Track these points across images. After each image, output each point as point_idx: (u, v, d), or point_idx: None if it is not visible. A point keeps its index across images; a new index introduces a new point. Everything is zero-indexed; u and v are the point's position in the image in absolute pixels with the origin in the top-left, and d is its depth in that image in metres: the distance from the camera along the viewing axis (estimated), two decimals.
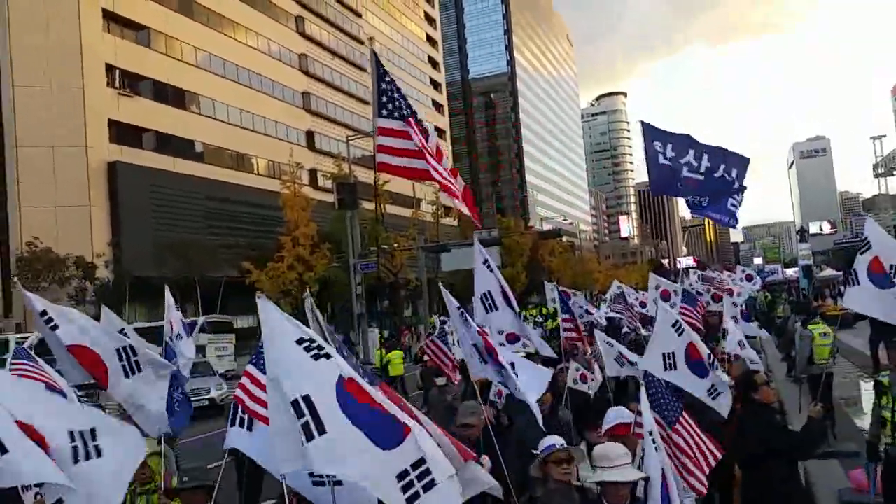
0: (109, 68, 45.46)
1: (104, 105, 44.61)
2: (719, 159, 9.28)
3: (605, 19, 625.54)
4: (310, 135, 63.88)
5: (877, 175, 45.60)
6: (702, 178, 9.16)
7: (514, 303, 8.06)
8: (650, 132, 9.56)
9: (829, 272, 69.20)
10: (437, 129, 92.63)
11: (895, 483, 5.94)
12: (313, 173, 59.83)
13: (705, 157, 9.24)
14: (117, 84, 46.10)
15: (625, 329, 14.15)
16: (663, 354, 5.58)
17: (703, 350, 5.75)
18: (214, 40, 53.68)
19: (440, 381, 9.93)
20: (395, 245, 40.25)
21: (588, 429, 5.84)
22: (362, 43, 75.42)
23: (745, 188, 9.26)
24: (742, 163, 9.25)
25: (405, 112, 6.72)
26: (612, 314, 16.19)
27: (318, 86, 66.56)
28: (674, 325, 5.75)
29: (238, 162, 54.75)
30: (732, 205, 9.16)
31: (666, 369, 5.52)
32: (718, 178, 9.18)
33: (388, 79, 6.81)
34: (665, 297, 12.44)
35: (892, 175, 45.38)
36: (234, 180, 52.19)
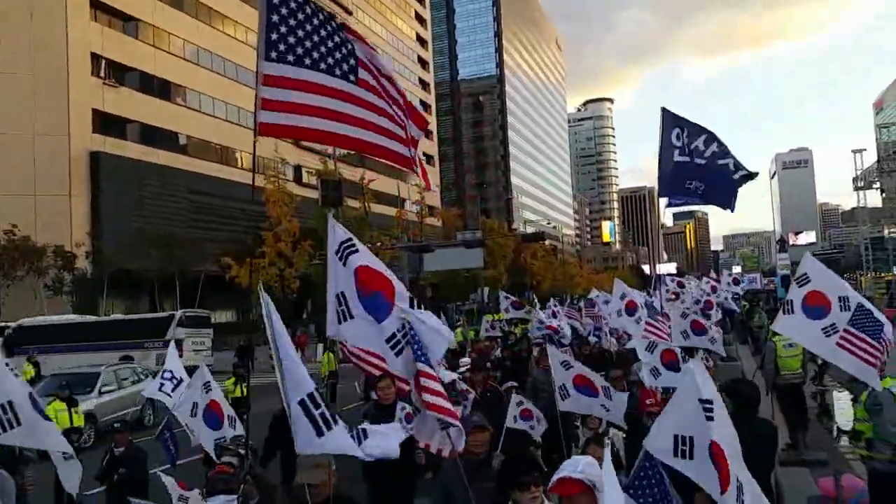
0: (95, 58, 45.02)
1: (88, 95, 44.16)
2: (729, 154, 9.56)
3: (595, 26, 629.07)
4: None
5: (856, 188, 46.19)
6: (704, 162, 9.41)
7: (386, 306, 4.99)
8: (670, 120, 9.60)
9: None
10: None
11: (880, 496, 6.02)
12: (298, 169, 59.59)
13: (715, 144, 9.52)
14: (102, 74, 45.65)
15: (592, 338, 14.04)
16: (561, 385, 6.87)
17: (594, 377, 6.88)
18: (203, 33, 53.30)
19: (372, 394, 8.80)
20: (379, 244, 40.16)
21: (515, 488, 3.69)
22: None
23: (741, 183, 9.61)
24: (749, 173, 9.61)
25: (329, 64, 5.06)
26: (573, 322, 15.90)
27: None
28: (563, 364, 6.94)
29: (222, 156, 54.41)
30: (731, 190, 9.52)
31: (562, 399, 6.79)
32: (722, 165, 9.50)
33: (295, 13, 4.96)
34: (630, 309, 11.25)
35: (871, 188, 46.01)
36: (217, 174, 51.85)
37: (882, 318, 5.75)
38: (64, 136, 42.86)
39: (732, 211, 10.02)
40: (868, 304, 5.80)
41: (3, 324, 32.85)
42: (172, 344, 8.76)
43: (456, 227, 58.36)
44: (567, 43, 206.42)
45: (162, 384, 8.04)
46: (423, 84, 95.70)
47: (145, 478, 7.58)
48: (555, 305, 16.44)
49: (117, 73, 46.49)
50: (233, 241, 44.45)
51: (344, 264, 4.97)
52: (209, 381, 6.93)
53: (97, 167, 44.00)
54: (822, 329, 5.71)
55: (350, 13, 75.59)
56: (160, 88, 49.24)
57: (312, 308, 45.60)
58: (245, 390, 14.37)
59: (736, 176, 9.56)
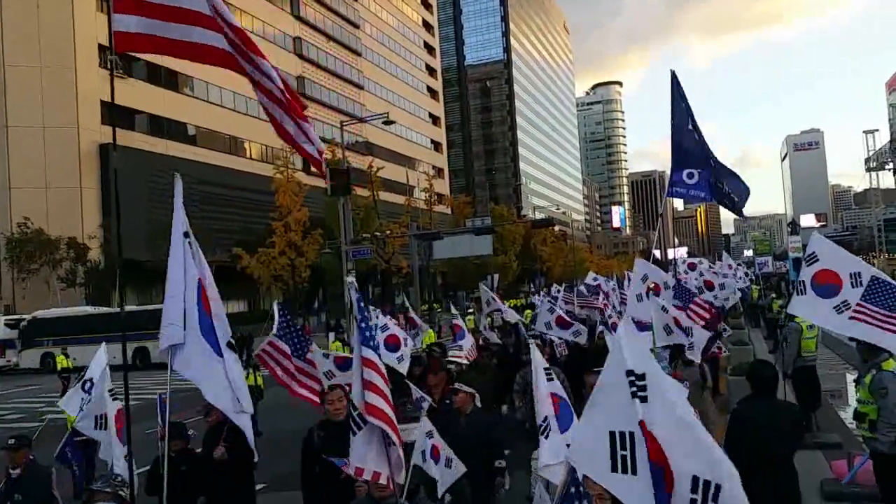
0: (102, 49, 45.09)
1: (96, 86, 44.28)
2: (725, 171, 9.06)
3: (603, 9, 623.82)
4: None
5: (868, 169, 45.76)
6: (713, 164, 8.91)
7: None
8: (678, 88, 8.91)
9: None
10: (431, 115, 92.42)
11: (887, 478, 6.01)
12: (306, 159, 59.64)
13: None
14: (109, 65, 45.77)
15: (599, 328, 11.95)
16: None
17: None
18: None
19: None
20: (388, 232, 40.26)
21: None
22: (358, 27, 74.99)
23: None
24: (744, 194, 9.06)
25: None
26: (583, 312, 14.50)
27: (313, 70, 66.17)
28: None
29: (231, 146, 54.49)
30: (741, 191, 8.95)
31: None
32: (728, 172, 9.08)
33: None
34: (656, 292, 10.04)
35: (884, 170, 45.55)
36: (227, 164, 51.96)
37: None
38: (73, 128, 43.04)
39: (741, 214, 9.67)
40: (883, 276, 5.76)
41: (17, 316, 33.18)
42: (103, 346, 6.98)
43: (465, 214, 58.31)
44: (574, 26, 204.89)
45: (82, 398, 6.89)
46: (430, 70, 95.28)
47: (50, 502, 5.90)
48: (557, 292, 15.78)
49: (125, 64, 46.57)
50: (243, 232, 44.60)
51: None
52: (113, 389, 6.02)
53: (107, 159, 44.19)
54: (834, 307, 5.71)
55: None
56: (167, 79, 49.29)
57: (324, 297, 45.76)
58: (260, 379, 14.51)
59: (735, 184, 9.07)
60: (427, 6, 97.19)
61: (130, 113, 46.79)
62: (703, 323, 8.96)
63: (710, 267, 26.05)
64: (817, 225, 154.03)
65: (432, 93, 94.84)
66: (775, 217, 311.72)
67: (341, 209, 31.91)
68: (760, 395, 5.52)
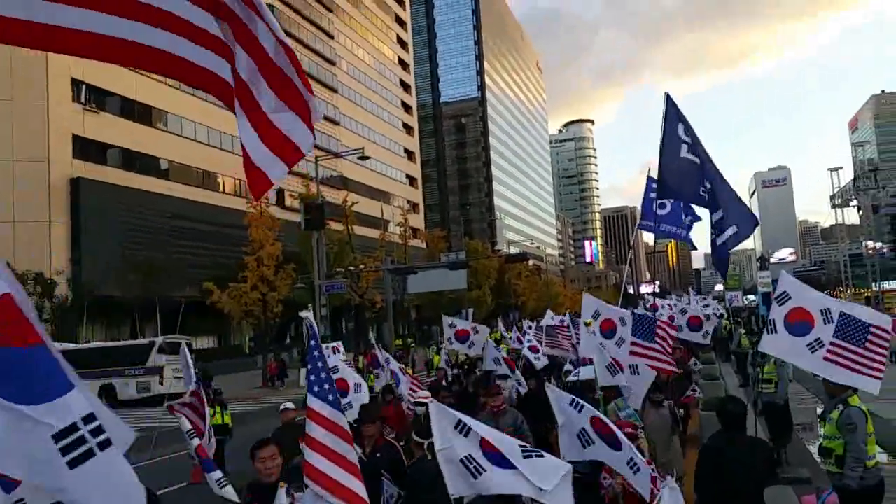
0: (75, 83, 44.86)
1: (68, 120, 43.92)
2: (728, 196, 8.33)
3: (574, 47, 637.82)
4: None
5: (834, 206, 46.77)
6: (719, 178, 8.26)
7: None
8: (674, 110, 8.51)
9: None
10: (406, 150, 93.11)
11: None
12: (280, 193, 59.52)
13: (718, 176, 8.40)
14: (83, 99, 45.47)
15: (566, 367, 11.50)
16: (577, 435, 5.01)
17: (608, 422, 5.00)
18: None
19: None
20: (362, 266, 40.08)
21: None
22: (334, 64, 75.69)
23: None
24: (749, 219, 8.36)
25: None
26: (551, 352, 13.76)
27: None
28: (571, 404, 5.04)
29: (204, 180, 54.21)
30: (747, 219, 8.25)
31: (584, 446, 4.97)
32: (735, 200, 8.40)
33: None
34: (609, 331, 8.87)
35: (849, 206, 46.62)
36: (199, 199, 51.62)
37: (873, 317, 5.81)
38: (44, 161, 42.52)
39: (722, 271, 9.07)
40: (850, 310, 5.86)
41: None
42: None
43: (440, 248, 58.41)
44: (547, 64, 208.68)
45: None
46: (406, 107, 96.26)
47: None
48: (528, 328, 15.23)
49: (98, 98, 46.33)
50: (214, 266, 44.15)
51: None
52: None
53: (77, 193, 43.65)
54: (808, 345, 5.78)
55: (332, 37, 76.14)
56: (141, 113, 49.10)
57: (296, 331, 45.26)
58: (228, 417, 14.24)
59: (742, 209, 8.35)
60: (403, 45, 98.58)
61: (103, 147, 46.44)
62: (659, 359, 8.22)
63: (687, 302, 26.24)
64: (791, 259, 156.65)
65: (408, 129, 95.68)
66: (745, 252, 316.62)
67: (315, 243, 31.90)
68: (730, 431, 5.56)
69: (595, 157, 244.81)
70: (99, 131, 45.91)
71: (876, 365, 5.66)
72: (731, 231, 8.07)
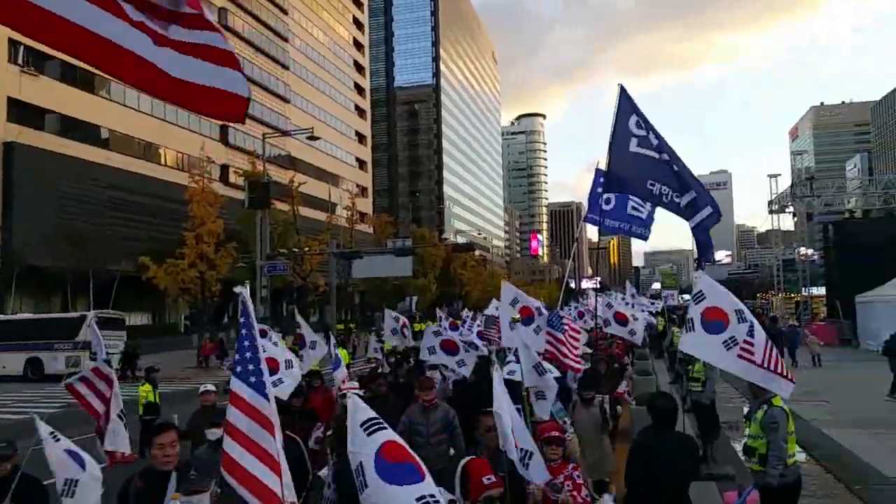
0: (13, 43, 42.75)
1: (4, 82, 41.88)
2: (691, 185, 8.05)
3: (529, 42, 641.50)
4: (224, 129, 62.14)
5: (771, 212, 48.29)
6: (682, 170, 8.00)
7: None
8: (627, 103, 8.20)
9: None
10: (358, 133, 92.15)
11: None
12: (225, 169, 58.19)
13: (680, 163, 8.14)
14: (21, 61, 43.39)
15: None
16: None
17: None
18: None
19: (214, 432, 5.65)
20: (307, 248, 39.54)
21: None
22: (287, 40, 74.20)
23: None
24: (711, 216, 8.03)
25: None
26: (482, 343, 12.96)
27: None
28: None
29: (146, 152, 52.52)
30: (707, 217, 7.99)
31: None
32: (697, 191, 8.06)
33: None
34: (527, 318, 8.99)
35: (785, 212, 48.21)
36: (140, 170, 50.02)
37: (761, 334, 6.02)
38: None
39: (709, 261, 8.81)
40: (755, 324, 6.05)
41: None
42: None
43: (387, 234, 58.13)
44: (502, 57, 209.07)
45: None
46: (359, 89, 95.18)
47: None
48: (467, 316, 14.48)
49: (37, 61, 44.27)
50: (152, 241, 42.89)
51: None
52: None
53: (10, 158, 41.72)
54: (723, 342, 5.92)
55: (285, 12, 74.57)
56: (82, 79, 47.15)
57: (234, 312, 44.43)
58: (158, 397, 13.88)
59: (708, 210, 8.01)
60: (359, 26, 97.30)
61: (41, 112, 44.46)
62: (567, 354, 8.05)
63: (622, 298, 26.72)
64: (727, 261, 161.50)
65: (360, 111, 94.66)
66: (683, 252, 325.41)
67: (259, 222, 31.30)
68: (659, 426, 5.64)
69: (545, 152, 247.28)
70: (37, 95, 43.91)
71: (784, 371, 5.85)
72: (706, 212, 7.95)
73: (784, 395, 6.12)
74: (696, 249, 8.30)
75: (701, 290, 6.16)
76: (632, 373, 15.25)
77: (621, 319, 15.33)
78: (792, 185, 46.48)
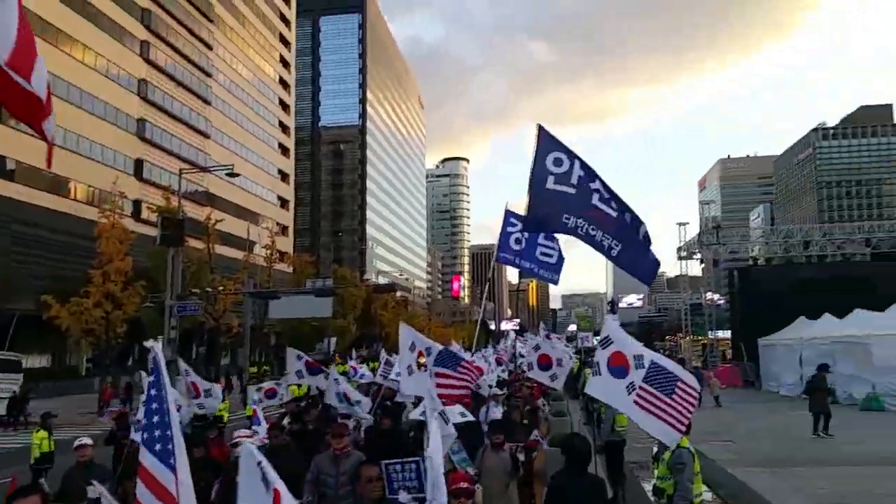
0: None
1: None
2: (625, 208, 7.92)
3: (454, 87, 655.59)
4: (139, 164, 60.24)
5: (680, 258, 50.37)
6: (615, 214, 7.87)
7: None
8: (547, 142, 8.07)
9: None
10: (280, 171, 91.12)
11: None
12: (138, 204, 56.18)
13: (613, 194, 7.94)
14: None
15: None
16: None
17: None
18: (47, 53, 49.39)
19: (94, 490, 4.89)
20: (221, 288, 38.37)
21: None
22: (210, 76, 73.14)
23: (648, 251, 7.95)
24: (645, 234, 7.95)
25: None
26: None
27: (156, 113, 63.28)
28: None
29: (54, 185, 50.16)
30: (648, 261, 7.93)
31: None
32: (633, 226, 7.94)
33: None
34: (422, 363, 8.77)
35: (692, 259, 50.34)
36: (47, 204, 47.65)
37: (682, 373, 6.15)
38: None
39: (648, 284, 8.65)
40: (663, 362, 6.18)
41: None
42: None
43: (307, 274, 57.18)
44: (428, 101, 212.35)
45: None
46: (283, 127, 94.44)
47: None
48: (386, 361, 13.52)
49: None
50: (57, 279, 40.70)
51: None
52: None
53: None
54: (626, 387, 6.06)
55: (210, 48, 73.68)
56: None
57: (140, 355, 42.44)
58: (53, 444, 13.00)
59: (645, 244, 7.96)
60: (285, 64, 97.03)
61: None
62: (458, 390, 7.76)
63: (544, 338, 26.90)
64: (639, 304, 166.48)
65: (283, 149, 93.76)
66: (598, 295, 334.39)
67: (171, 260, 30.22)
68: (573, 468, 5.67)
69: (468, 195, 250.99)
70: None
71: (681, 418, 5.98)
72: (643, 228, 7.91)
73: (667, 443, 6.25)
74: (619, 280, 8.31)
75: (608, 335, 6.30)
76: (547, 414, 15.35)
77: (544, 363, 14.99)
78: (700, 233, 48.71)
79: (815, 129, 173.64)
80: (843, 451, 15.59)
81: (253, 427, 9.19)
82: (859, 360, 21.98)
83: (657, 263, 8.07)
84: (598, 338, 7.37)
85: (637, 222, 7.84)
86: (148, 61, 62.32)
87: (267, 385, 13.66)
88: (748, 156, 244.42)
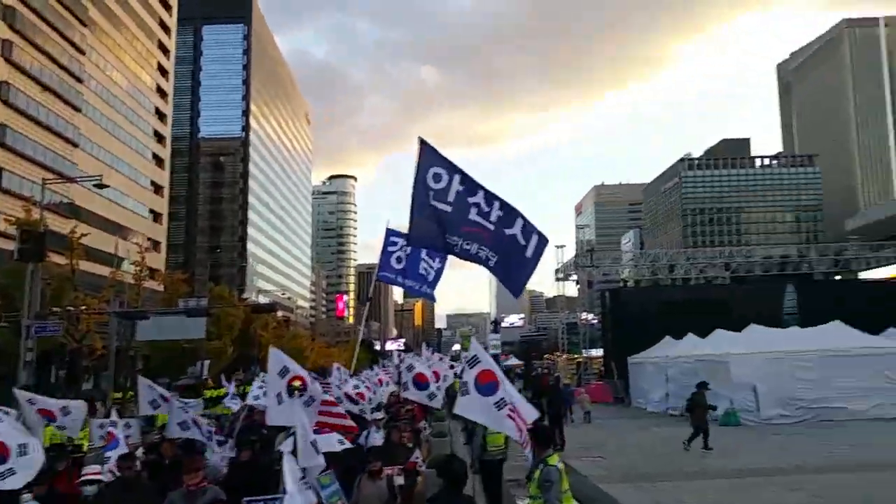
0: None
1: None
2: (515, 217, 7.96)
3: (344, 105, 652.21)
4: None
5: (557, 279, 52.31)
6: (492, 228, 7.86)
7: None
8: (430, 157, 7.95)
9: (512, 361, 77.46)
10: (154, 183, 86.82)
11: None
12: None
13: (496, 204, 7.96)
14: None
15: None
16: None
17: None
18: None
19: None
20: (84, 307, 35.85)
21: None
22: (81, 81, 68.84)
23: (536, 265, 7.96)
24: (541, 240, 7.96)
25: None
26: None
27: (18, 119, 58.75)
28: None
29: None
30: (523, 274, 7.90)
31: None
32: (510, 236, 7.91)
33: None
34: (302, 387, 7.67)
35: (569, 280, 52.42)
36: None
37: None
38: None
39: (517, 297, 8.68)
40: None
41: None
42: None
43: (180, 292, 54.51)
44: (317, 119, 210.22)
45: None
46: (159, 137, 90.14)
47: None
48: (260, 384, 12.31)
49: None
50: None
51: None
52: None
53: None
54: (495, 403, 6.20)
55: (83, 52, 69.44)
56: None
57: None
58: None
59: (529, 251, 7.93)
60: (164, 72, 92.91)
61: None
62: (343, 424, 7.53)
63: (425, 358, 26.96)
64: (520, 324, 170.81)
65: (158, 160, 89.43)
66: (481, 315, 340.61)
67: (29, 276, 27.94)
68: (451, 490, 5.70)
69: (355, 213, 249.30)
70: None
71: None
72: (535, 239, 7.91)
73: (528, 455, 6.46)
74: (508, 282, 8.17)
75: (476, 355, 6.43)
76: (428, 436, 15.35)
77: (421, 382, 14.89)
78: (576, 256, 50.90)
79: (681, 160, 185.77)
80: (708, 465, 16.54)
81: (106, 454, 8.48)
82: (720, 378, 23.49)
83: (529, 275, 8.10)
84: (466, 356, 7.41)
85: (528, 232, 7.88)
86: (10, 62, 57.92)
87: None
88: (621, 183, 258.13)
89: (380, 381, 18.62)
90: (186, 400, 13.84)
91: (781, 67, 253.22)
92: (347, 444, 7.50)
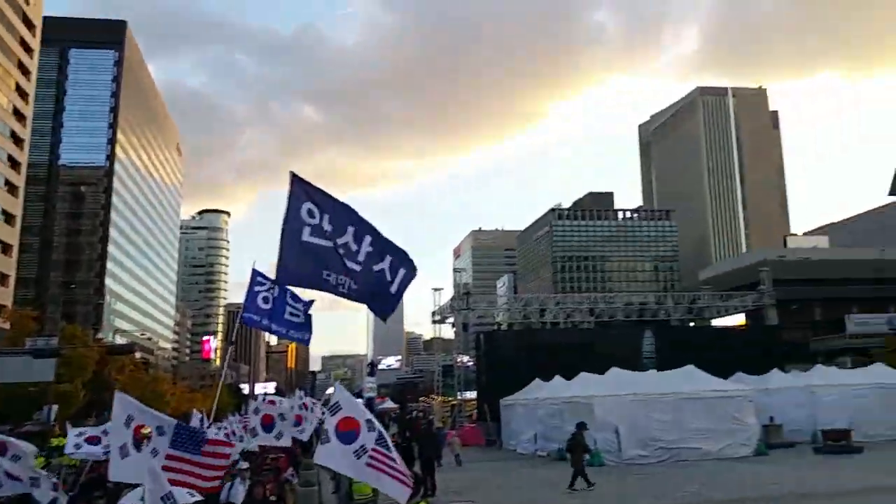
0: None
1: None
2: (385, 253, 8.06)
3: (220, 138, 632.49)
4: None
5: (434, 321, 52.78)
6: (358, 268, 7.85)
7: None
8: (302, 191, 7.83)
9: (388, 404, 76.82)
10: (5, 212, 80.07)
11: None
12: None
13: (367, 239, 7.99)
14: None
15: None
16: None
17: None
18: None
19: None
20: None
21: None
22: None
23: (400, 299, 8.17)
24: (408, 274, 8.13)
25: None
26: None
27: None
28: None
29: None
30: (387, 306, 8.11)
31: None
32: (378, 272, 8.02)
33: None
34: (139, 440, 6.83)
35: (445, 323, 53.02)
36: None
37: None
38: None
39: (384, 321, 8.76)
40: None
41: None
42: None
43: (28, 330, 50.07)
44: (191, 152, 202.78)
45: None
46: (14, 163, 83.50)
47: None
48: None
49: None
50: None
51: None
52: None
53: None
54: (354, 452, 6.12)
55: None
56: None
57: None
58: None
59: (394, 287, 8.11)
60: (23, 94, 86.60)
61: None
62: (201, 476, 6.67)
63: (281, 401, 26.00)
64: (397, 366, 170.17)
65: (11, 187, 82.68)
66: (358, 357, 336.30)
67: None
68: None
69: (228, 251, 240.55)
70: None
71: (404, 473, 6.19)
72: (401, 273, 8.05)
73: (401, 501, 6.40)
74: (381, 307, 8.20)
75: (338, 402, 6.32)
76: (294, 485, 14.82)
77: (267, 424, 14.25)
78: (452, 299, 51.64)
79: (552, 210, 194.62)
80: None
81: None
82: (584, 419, 24.35)
83: (393, 308, 8.25)
84: (358, 399, 7.32)
85: (394, 268, 8.01)
86: None
87: None
88: (497, 229, 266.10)
89: (244, 427, 17.69)
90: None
91: (642, 128, 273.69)
92: (198, 497, 6.87)
